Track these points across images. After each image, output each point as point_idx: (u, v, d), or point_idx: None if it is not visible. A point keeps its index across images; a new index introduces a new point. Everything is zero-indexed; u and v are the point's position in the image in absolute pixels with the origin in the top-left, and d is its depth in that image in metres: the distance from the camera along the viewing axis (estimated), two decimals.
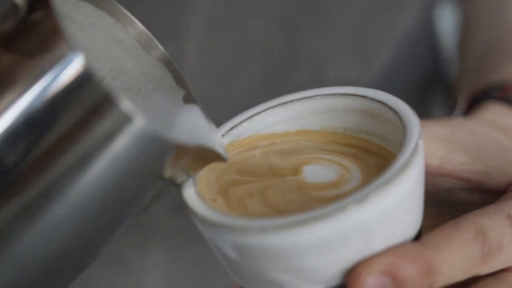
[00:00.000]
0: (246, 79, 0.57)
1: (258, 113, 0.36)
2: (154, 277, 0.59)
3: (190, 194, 0.32)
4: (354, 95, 0.35)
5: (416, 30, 0.62)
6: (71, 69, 0.27)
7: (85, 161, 0.28)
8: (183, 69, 0.55)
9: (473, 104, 0.46)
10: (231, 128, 0.36)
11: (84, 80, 0.27)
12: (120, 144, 0.28)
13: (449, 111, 0.48)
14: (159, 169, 0.30)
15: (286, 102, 0.36)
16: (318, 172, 0.34)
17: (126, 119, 0.27)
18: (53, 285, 0.32)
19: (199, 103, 0.35)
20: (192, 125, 0.33)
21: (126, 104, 0.27)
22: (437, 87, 0.67)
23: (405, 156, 0.29)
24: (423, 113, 0.66)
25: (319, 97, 0.36)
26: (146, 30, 0.35)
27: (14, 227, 0.28)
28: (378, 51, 0.60)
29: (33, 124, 0.27)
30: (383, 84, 0.60)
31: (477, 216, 0.30)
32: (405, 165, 0.29)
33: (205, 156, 0.32)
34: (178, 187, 0.32)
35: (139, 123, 0.27)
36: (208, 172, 0.34)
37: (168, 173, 0.30)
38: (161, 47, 0.35)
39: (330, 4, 0.57)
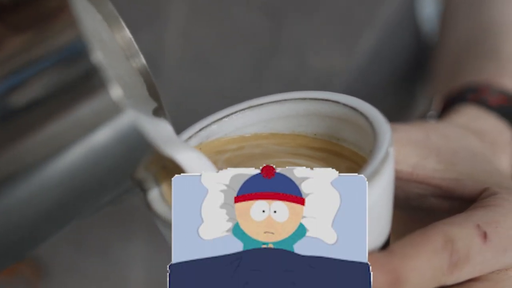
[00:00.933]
0: (229, 67, 0.56)
1: (228, 115, 0.35)
2: (136, 267, 0.59)
3: (154, 196, 0.31)
4: (326, 100, 0.34)
5: (399, 18, 0.62)
6: (76, 45, 0.26)
7: (61, 143, 0.27)
8: (163, 57, 0.54)
9: (448, 105, 0.46)
10: (200, 130, 0.35)
11: (83, 58, 0.26)
12: (102, 133, 0.27)
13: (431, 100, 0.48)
14: (131, 169, 0.29)
15: (256, 105, 0.36)
16: None
17: (115, 109, 0.26)
18: None
19: (169, 119, 0.34)
20: (165, 137, 0.32)
21: (119, 94, 0.26)
22: (420, 74, 0.67)
23: (375, 164, 0.29)
24: (406, 100, 0.66)
25: (290, 101, 0.35)
26: (131, 37, 0.34)
27: None
28: (361, 38, 0.59)
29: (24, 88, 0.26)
30: (366, 71, 0.60)
31: (446, 225, 0.30)
32: (375, 173, 0.28)
33: (174, 171, 0.31)
34: (143, 191, 0.31)
35: (127, 117, 0.27)
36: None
37: (138, 175, 0.29)
38: (142, 58, 0.34)
39: None
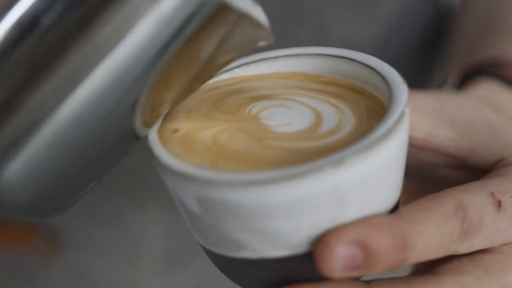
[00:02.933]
0: None
1: (239, 65, 0.35)
2: (153, 237, 0.59)
3: (153, 136, 0.30)
4: (343, 57, 0.33)
5: None
6: None
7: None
8: None
9: (466, 79, 0.45)
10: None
11: None
12: None
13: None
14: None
15: (270, 58, 0.35)
16: (298, 114, 0.32)
17: None
18: None
19: None
20: None
21: None
22: (439, 44, 0.66)
23: (390, 122, 0.28)
24: (423, 73, 0.66)
25: (305, 56, 0.34)
26: None
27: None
28: (380, 7, 0.58)
29: None
30: (385, 40, 0.59)
31: (458, 191, 0.29)
32: (389, 132, 0.27)
33: (247, 31, 0.29)
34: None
35: None
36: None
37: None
38: None
39: None
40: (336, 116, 0.31)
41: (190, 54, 0.28)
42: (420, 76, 0.66)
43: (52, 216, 0.32)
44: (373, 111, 0.31)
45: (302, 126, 0.31)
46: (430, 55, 0.66)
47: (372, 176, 0.27)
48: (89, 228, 0.60)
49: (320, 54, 0.34)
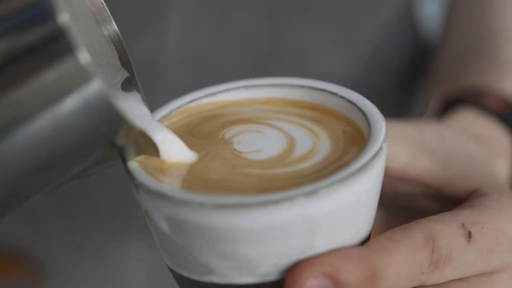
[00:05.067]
0: (230, 70, 0.56)
1: (221, 91, 0.35)
2: (136, 269, 0.59)
3: (134, 166, 0.30)
4: (324, 90, 0.34)
5: (399, 20, 0.62)
6: (41, 4, 0.25)
7: (24, 112, 0.25)
8: (165, 58, 0.54)
9: (447, 107, 0.45)
10: (190, 101, 0.35)
11: (49, 18, 0.24)
12: (68, 102, 0.25)
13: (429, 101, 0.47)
14: (100, 140, 0.27)
15: (252, 86, 0.35)
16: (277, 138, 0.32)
17: (83, 76, 0.25)
18: None
19: (141, 91, 0.33)
20: (136, 109, 0.31)
21: (87, 60, 0.25)
22: (420, 76, 0.66)
23: (367, 157, 0.28)
24: (404, 102, 0.66)
25: (287, 86, 0.35)
26: (103, 1, 0.32)
27: None
28: (361, 41, 0.59)
29: None
30: (366, 73, 0.59)
31: (429, 222, 0.29)
32: (365, 166, 0.27)
33: (141, 145, 0.30)
34: (122, 160, 0.30)
35: (96, 85, 0.25)
36: None
37: (109, 145, 0.28)
38: (114, 24, 0.32)
39: None
40: (310, 141, 0.31)
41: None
42: (401, 104, 0.66)
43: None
44: (349, 135, 0.31)
45: (274, 152, 0.31)
46: (411, 84, 0.67)
47: (345, 208, 0.27)
48: (73, 261, 0.60)
49: (302, 86, 0.34)
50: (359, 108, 0.32)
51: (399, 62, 0.64)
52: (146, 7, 0.53)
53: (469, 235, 0.29)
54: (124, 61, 0.33)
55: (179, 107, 0.34)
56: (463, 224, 0.29)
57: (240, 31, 0.55)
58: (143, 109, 0.32)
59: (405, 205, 0.36)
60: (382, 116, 0.31)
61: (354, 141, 0.31)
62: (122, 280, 0.59)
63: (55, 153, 0.26)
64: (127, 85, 0.32)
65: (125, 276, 0.59)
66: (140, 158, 0.30)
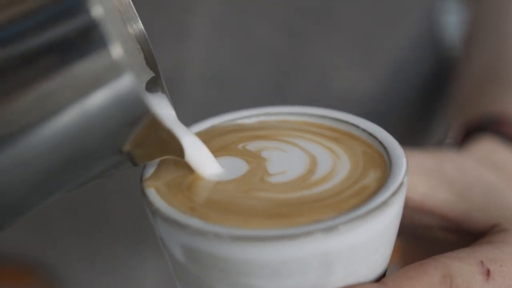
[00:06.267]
0: (250, 84, 0.56)
1: (242, 117, 0.35)
2: (152, 283, 0.58)
3: (151, 191, 0.30)
4: (346, 122, 0.34)
5: (419, 37, 0.62)
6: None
7: (54, 105, 0.25)
8: (186, 72, 0.54)
9: (467, 134, 0.44)
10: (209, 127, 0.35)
11: (83, 11, 0.24)
12: (99, 95, 0.25)
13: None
14: (127, 136, 0.27)
15: (274, 113, 0.35)
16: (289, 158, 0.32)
17: (115, 70, 0.24)
18: None
19: (167, 93, 0.32)
20: (163, 109, 0.30)
21: (120, 54, 0.24)
22: (440, 95, 0.66)
23: (387, 194, 0.28)
24: (426, 120, 0.65)
25: (307, 115, 0.35)
26: (131, 2, 0.32)
27: None
28: (381, 58, 0.59)
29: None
30: (386, 90, 0.59)
31: (447, 259, 0.28)
32: (385, 203, 0.27)
33: (167, 145, 0.29)
34: (135, 165, 0.30)
35: (127, 79, 0.25)
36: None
37: (133, 144, 0.28)
38: (140, 24, 0.32)
39: (336, 10, 0.56)
40: (330, 161, 0.31)
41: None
42: (421, 127, 0.65)
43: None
44: (369, 157, 0.31)
45: (297, 173, 0.31)
46: (431, 105, 0.66)
47: (364, 244, 0.27)
48: (89, 274, 0.60)
49: (324, 117, 0.34)
50: (380, 142, 0.32)
51: (420, 77, 0.63)
52: (169, 20, 0.53)
53: (488, 273, 0.29)
54: (150, 61, 0.32)
55: (199, 132, 0.35)
56: (482, 262, 0.29)
57: (260, 45, 0.55)
58: (170, 111, 0.31)
59: (423, 236, 0.36)
60: (403, 152, 0.30)
61: (373, 162, 0.31)
62: None
63: (82, 147, 0.26)
64: (153, 86, 0.32)
65: None
66: (157, 178, 0.30)
